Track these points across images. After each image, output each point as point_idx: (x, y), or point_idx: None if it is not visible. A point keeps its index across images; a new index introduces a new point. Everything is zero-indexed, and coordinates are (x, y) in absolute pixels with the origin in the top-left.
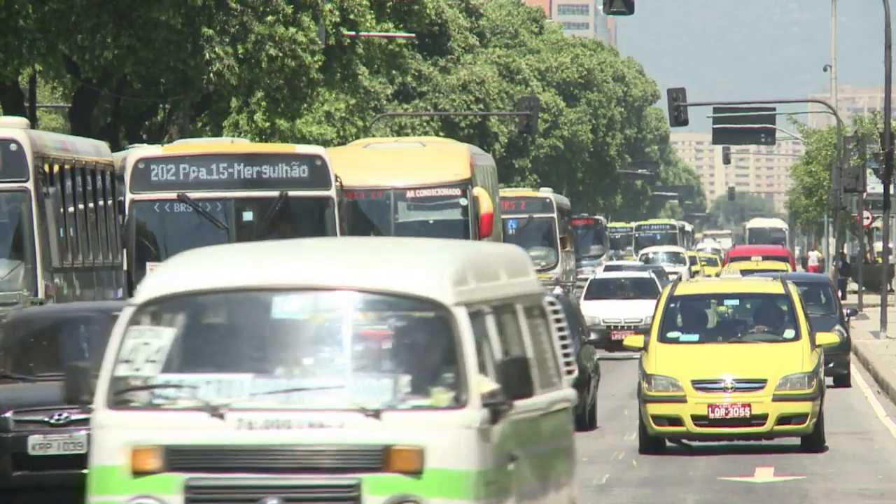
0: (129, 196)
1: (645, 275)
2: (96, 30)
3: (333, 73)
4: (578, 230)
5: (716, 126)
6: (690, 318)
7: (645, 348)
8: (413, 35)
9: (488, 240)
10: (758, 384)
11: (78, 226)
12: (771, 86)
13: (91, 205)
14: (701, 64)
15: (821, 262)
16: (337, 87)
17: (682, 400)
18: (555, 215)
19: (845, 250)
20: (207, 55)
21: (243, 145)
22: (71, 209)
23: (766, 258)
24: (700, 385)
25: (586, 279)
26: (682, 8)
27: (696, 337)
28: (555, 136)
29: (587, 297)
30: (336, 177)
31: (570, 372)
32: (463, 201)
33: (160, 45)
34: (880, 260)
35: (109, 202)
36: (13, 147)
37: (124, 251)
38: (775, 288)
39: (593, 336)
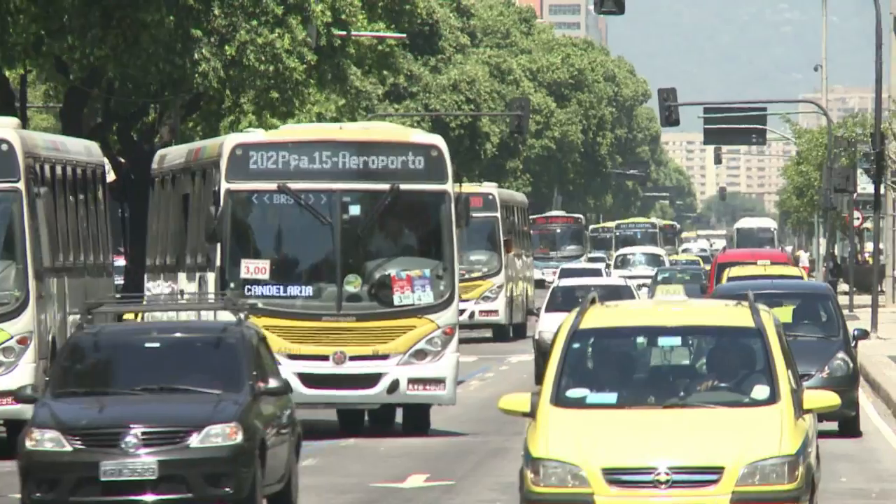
0: (223, 185)
1: (617, 282)
2: (85, 30)
3: (324, 73)
4: (557, 229)
5: (707, 126)
6: (605, 366)
7: (532, 415)
8: (404, 35)
9: None
10: (709, 476)
11: (69, 226)
12: (762, 86)
13: (82, 205)
14: (692, 64)
15: (811, 263)
16: (328, 88)
17: (587, 501)
18: (498, 214)
19: (836, 251)
20: (196, 55)
21: (352, 132)
22: (62, 209)
23: (774, 263)
24: (618, 477)
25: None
26: (673, 8)
27: (613, 397)
28: (546, 136)
29: (549, 309)
30: (453, 170)
31: None
32: None
33: (146, 46)
34: (871, 260)
35: (100, 202)
36: (4, 147)
37: (217, 246)
38: (740, 318)
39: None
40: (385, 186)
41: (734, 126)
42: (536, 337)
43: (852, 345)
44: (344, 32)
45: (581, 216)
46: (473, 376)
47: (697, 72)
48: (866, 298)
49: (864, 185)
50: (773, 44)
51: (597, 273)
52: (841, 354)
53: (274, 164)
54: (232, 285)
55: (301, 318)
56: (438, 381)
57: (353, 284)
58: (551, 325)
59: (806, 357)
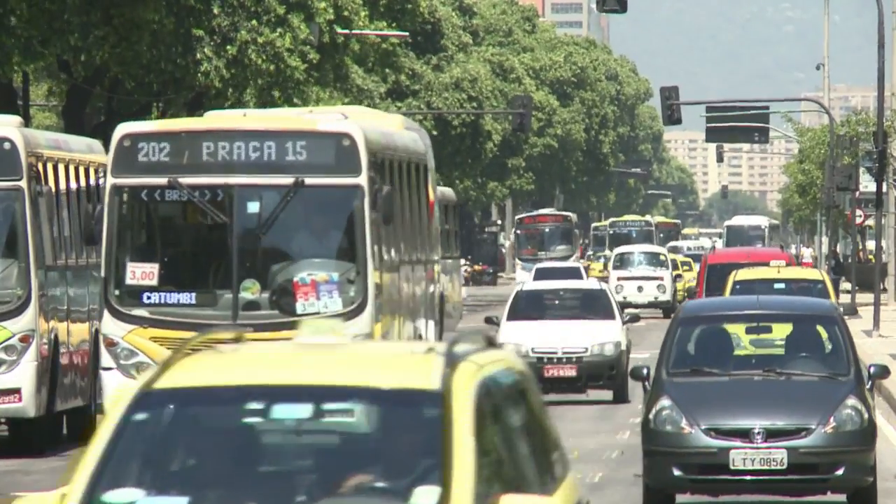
0: (109, 180)
1: (593, 286)
2: (86, 29)
3: (326, 72)
4: (545, 228)
5: (709, 125)
6: (182, 451)
7: None
8: (406, 34)
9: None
10: None
11: (72, 224)
12: (764, 84)
13: (85, 203)
14: (694, 62)
15: (814, 261)
16: (329, 86)
17: None
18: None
19: (838, 249)
20: (198, 55)
21: (254, 119)
22: (64, 207)
23: (756, 264)
24: None
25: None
26: (676, 6)
27: None
28: (548, 134)
29: (511, 317)
30: (373, 161)
31: None
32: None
33: (147, 46)
34: (873, 258)
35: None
36: (6, 145)
37: (103, 248)
38: (417, 374)
39: None
40: (289, 180)
41: (736, 124)
42: None
43: (867, 386)
44: (346, 31)
45: (571, 214)
46: None
47: (699, 70)
48: (868, 297)
49: (867, 184)
50: (775, 42)
51: (575, 274)
52: (852, 401)
53: (166, 157)
54: (117, 292)
55: (193, 329)
56: None
57: (250, 291)
58: (514, 335)
59: (803, 404)
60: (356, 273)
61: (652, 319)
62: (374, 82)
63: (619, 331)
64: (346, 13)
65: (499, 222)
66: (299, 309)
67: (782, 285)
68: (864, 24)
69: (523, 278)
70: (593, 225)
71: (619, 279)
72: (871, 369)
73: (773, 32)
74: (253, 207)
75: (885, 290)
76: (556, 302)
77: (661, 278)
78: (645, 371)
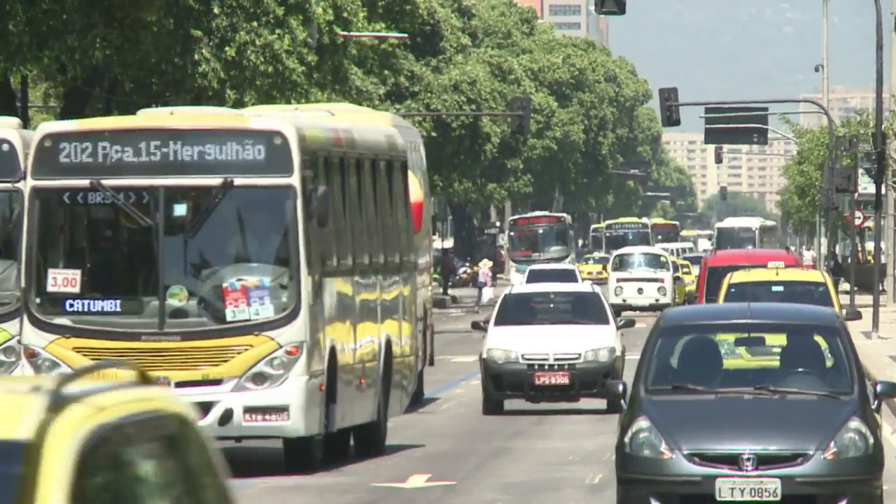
0: (29, 182)
1: (585, 289)
2: (86, 30)
3: (325, 73)
4: (539, 229)
5: (708, 126)
6: None
7: None
8: (405, 35)
9: (418, 237)
10: None
11: None
12: (763, 86)
13: None
14: (693, 64)
15: (814, 262)
16: (328, 88)
17: None
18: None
19: (837, 250)
20: (196, 56)
21: (181, 118)
22: None
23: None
24: None
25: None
26: (674, 8)
27: None
28: (547, 136)
29: (498, 322)
30: (308, 160)
31: None
32: None
33: (148, 46)
34: (871, 259)
35: None
36: (5, 147)
37: (23, 253)
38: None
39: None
40: (217, 181)
41: (735, 126)
42: (484, 356)
43: (874, 406)
44: (346, 33)
45: (565, 215)
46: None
47: (698, 72)
48: (867, 298)
49: (866, 185)
50: (774, 44)
51: (569, 277)
52: (855, 423)
53: (89, 157)
54: (38, 300)
55: (117, 339)
56: (280, 410)
57: (177, 297)
58: (501, 341)
59: (799, 426)
60: (289, 278)
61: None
62: (374, 84)
63: (613, 336)
64: (345, 14)
65: (498, 224)
66: (229, 316)
67: (781, 288)
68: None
69: (517, 280)
70: (592, 227)
71: (618, 280)
72: (878, 387)
73: (772, 34)
74: (180, 210)
75: (884, 291)
76: (547, 306)
77: (662, 280)
78: (620, 387)
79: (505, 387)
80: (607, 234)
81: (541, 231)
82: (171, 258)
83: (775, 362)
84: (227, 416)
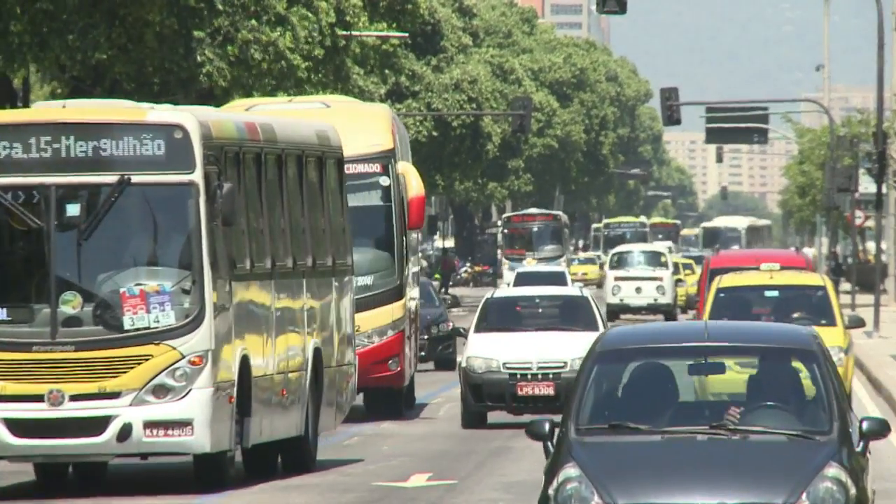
0: None
1: (573, 292)
2: (88, 30)
3: (326, 73)
4: (533, 227)
5: (709, 125)
6: None
7: None
8: (406, 35)
9: (417, 233)
10: None
11: None
12: (763, 85)
13: None
14: (694, 63)
15: (813, 260)
16: (330, 88)
17: None
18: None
19: (838, 250)
20: (199, 57)
21: (74, 111)
22: None
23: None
24: None
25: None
26: (675, 7)
27: None
28: (548, 135)
29: (479, 328)
30: (213, 156)
31: None
32: (384, 180)
33: (150, 46)
34: (872, 259)
35: None
36: None
37: None
38: None
39: None
40: (113, 178)
41: (736, 125)
42: (463, 365)
43: (858, 448)
44: (347, 33)
45: (561, 213)
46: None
47: (699, 71)
48: (868, 298)
49: (867, 185)
50: (774, 43)
51: (558, 279)
52: (833, 470)
53: None
54: None
55: (6, 349)
56: (184, 424)
57: (71, 304)
58: (481, 349)
59: (765, 474)
60: (192, 282)
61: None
62: (375, 83)
63: None
64: (347, 18)
65: (499, 223)
66: (127, 324)
67: (775, 293)
68: (864, 25)
69: (511, 279)
70: (593, 226)
71: (616, 279)
72: (864, 425)
73: (772, 33)
74: (73, 210)
75: (885, 291)
76: (532, 311)
77: (661, 279)
78: (546, 427)
79: (485, 398)
80: (605, 234)
81: (535, 229)
82: (64, 262)
83: (738, 396)
84: (126, 432)
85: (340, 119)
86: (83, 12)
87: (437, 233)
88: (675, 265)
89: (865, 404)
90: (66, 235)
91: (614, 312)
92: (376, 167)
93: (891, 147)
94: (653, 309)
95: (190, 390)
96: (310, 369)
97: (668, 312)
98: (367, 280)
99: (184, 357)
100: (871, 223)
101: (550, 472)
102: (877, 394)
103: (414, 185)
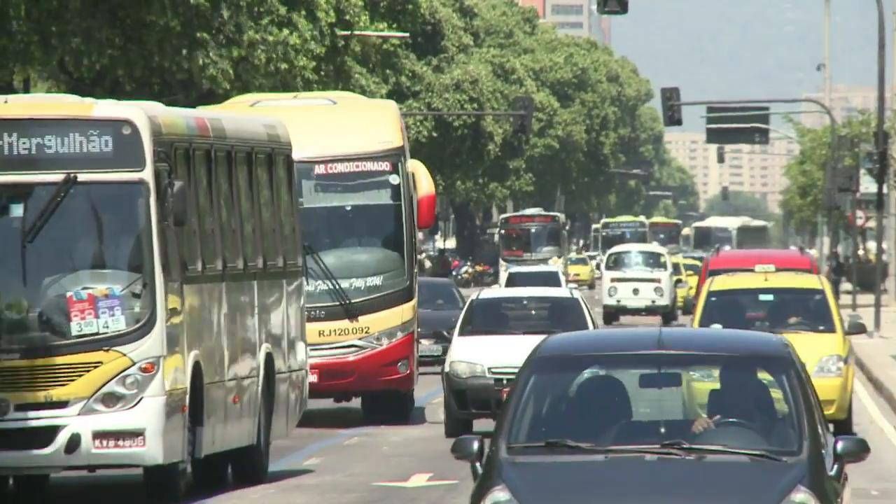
0: None
1: (563, 294)
2: (91, 32)
3: (328, 73)
4: (531, 228)
5: (710, 125)
6: None
7: None
8: (407, 35)
9: (425, 232)
10: None
11: None
12: (764, 85)
13: None
14: (695, 63)
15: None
16: (331, 88)
17: None
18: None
19: (839, 250)
20: (202, 60)
21: (15, 106)
22: None
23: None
24: None
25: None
26: (676, 7)
27: None
28: (549, 135)
29: (464, 331)
30: (163, 153)
31: None
32: (394, 179)
33: (151, 47)
34: (872, 258)
35: None
36: None
37: None
38: None
39: None
40: (58, 177)
41: (737, 125)
42: (446, 370)
43: (831, 471)
44: (347, 32)
45: (559, 214)
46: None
47: (700, 71)
48: (869, 297)
49: (867, 185)
50: (775, 43)
51: (551, 279)
52: (801, 495)
53: None
54: None
55: None
56: (135, 435)
57: (15, 310)
58: (465, 353)
59: (723, 498)
60: (142, 285)
61: (650, 326)
62: (376, 83)
63: None
64: (347, 17)
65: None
66: (75, 329)
67: (770, 297)
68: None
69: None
70: (593, 227)
71: (612, 280)
72: (839, 445)
73: (773, 33)
74: (16, 210)
75: (885, 290)
76: (519, 313)
77: (659, 280)
78: (475, 445)
79: (469, 404)
80: (604, 234)
81: (533, 230)
82: (7, 266)
83: (703, 409)
84: (74, 443)
85: (348, 115)
86: (85, 13)
87: (438, 233)
88: (676, 266)
89: (866, 404)
90: (9, 237)
91: (611, 314)
92: (386, 165)
93: (892, 147)
94: (651, 311)
95: (141, 399)
96: (262, 375)
97: (667, 314)
98: (376, 281)
99: (134, 364)
100: (872, 223)
101: (477, 496)
102: (878, 394)
103: (424, 183)
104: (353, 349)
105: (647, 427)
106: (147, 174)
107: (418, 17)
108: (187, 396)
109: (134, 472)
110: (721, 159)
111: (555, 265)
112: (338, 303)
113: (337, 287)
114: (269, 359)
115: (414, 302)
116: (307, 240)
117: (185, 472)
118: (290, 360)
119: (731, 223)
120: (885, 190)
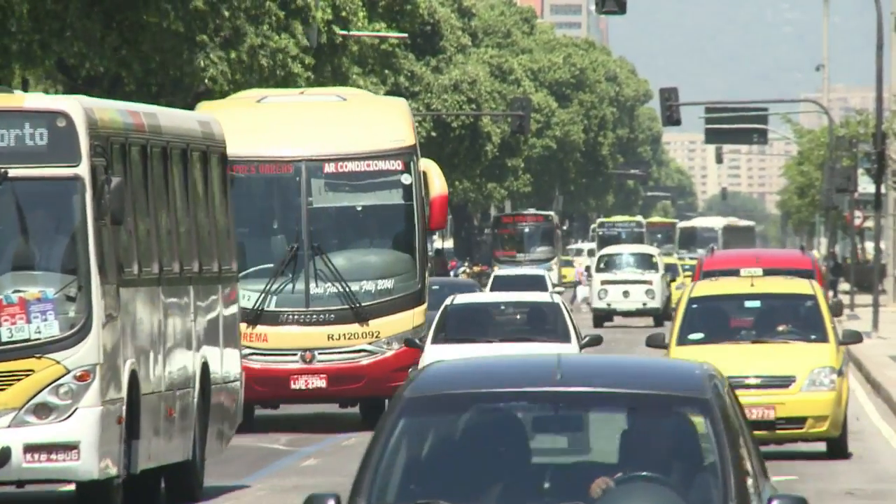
0: None
1: (543, 299)
2: (89, 34)
3: (325, 73)
4: (524, 229)
5: (708, 126)
6: None
7: None
8: (405, 35)
9: (441, 233)
10: None
11: None
12: (763, 85)
13: None
14: (693, 64)
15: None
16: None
17: None
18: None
19: (837, 251)
20: (202, 62)
21: None
22: None
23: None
24: None
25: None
26: (675, 8)
27: None
28: (547, 136)
29: (437, 339)
30: (99, 147)
31: None
32: (406, 178)
33: (148, 49)
34: (870, 258)
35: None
36: None
37: None
38: None
39: None
40: None
41: (735, 126)
42: None
43: None
44: (345, 32)
45: (553, 214)
46: None
47: (699, 72)
48: (867, 298)
49: (865, 185)
50: (774, 44)
51: (537, 283)
52: None
53: None
54: None
55: None
56: (69, 448)
57: None
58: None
59: None
60: (78, 288)
61: (641, 329)
62: (374, 84)
63: None
64: (343, 13)
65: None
66: (4, 335)
67: (756, 303)
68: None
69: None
70: (591, 227)
71: (602, 283)
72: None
73: (772, 34)
74: None
75: (883, 291)
76: (497, 319)
77: (650, 282)
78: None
79: None
80: (600, 233)
81: (526, 230)
82: None
83: (609, 458)
84: (3, 457)
85: (358, 112)
86: (82, 13)
87: (437, 233)
88: (674, 267)
89: (863, 404)
90: None
91: (601, 318)
92: (398, 164)
93: (890, 147)
94: (642, 314)
95: (76, 409)
96: (198, 387)
97: (659, 317)
98: (387, 284)
99: (69, 372)
100: (870, 223)
101: None
102: (875, 394)
103: (437, 183)
104: (363, 354)
105: (539, 485)
106: (83, 169)
107: (417, 17)
108: (124, 407)
109: (66, 488)
110: (719, 160)
111: (554, 267)
112: (347, 306)
113: (346, 290)
114: (206, 369)
115: (425, 306)
116: (316, 240)
117: (119, 489)
118: (226, 370)
119: (717, 223)
120: (883, 190)
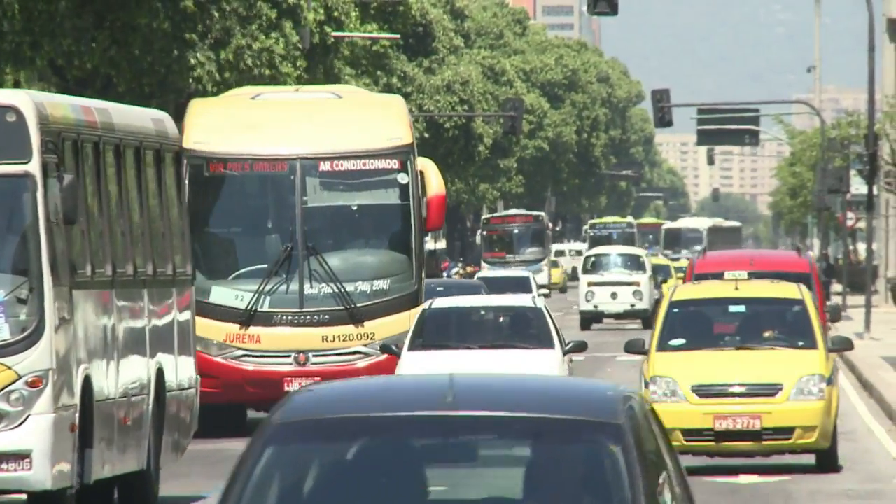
0: None
1: (525, 303)
2: (80, 33)
3: (317, 74)
4: (514, 229)
5: (700, 127)
6: None
7: None
8: (398, 36)
9: (434, 234)
10: None
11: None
12: (755, 87)
13: None
14: (685, 65)
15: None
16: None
17: None
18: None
19: (829, 251)
20: (191, 60)
21: None
22: None
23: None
24: None
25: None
26: (667, 9)
27: None
28: (539, 137)
29: (413, 346)
30: (51, 143)
31: None
32: (402, 177)
33: (137, 48)
34: (862, 259)
35: None
36: None
37: None
38: None
39: None
40: None
41: (727, 127)
42: None
43: None
44: (337, 33)
45: (543, 214)
46: None
47: (691, 73)
48: (859, 299)
49: (857, 186)
50: (766, 45)
51: (521, 285)
52: None
53: None
54: None
55: None
56: (21, 457)
57: None
58: (415, 370)
59: None
60: (29, 290)
61: (630, 332)
62: (366, 85)
63: (558, 362)
64: (336, 14)
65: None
66: None
67: (741, 308)
68: (856, 27)
69: None
70: (584, 228)
71: (589, 285)
72: None
73: (764, 35)
74: None
75: (875, 292)
76: (477, 325)
77: (638, 283)
78: None
79: None
80: (591, 234)
81: (516, 231)
82: None
83: (512, 491)
84: None
85: (353, 110)
86: (73, 13)
87: (429, 234)
88: (667, 268)
89: (855, 405)
90: None
91: (588, 320)
92: (394, 163)
93: (881, 149)
94: (630, 315)
95: (28, 416)
96: (152, 393)
97: (647, 319)
98: (383, 284)
99: (20, 378)
100: (862, 224)
101: None
102: (868, 395)
103: (434, 183)
104: (357, 356)
105: None
106: (34, 166)
107: (409, 18)
108: (77, 415)
109: (17, 498)
110: (711, 161)
111: (544, 268)
112: (342, 307)
113: (341, 290)
114: (160, 375)
115: (421, 307)
116: (311, 239)
117: (73, 499)
118: (181, 377)
119: (702, 224)
120: (874, 191)
